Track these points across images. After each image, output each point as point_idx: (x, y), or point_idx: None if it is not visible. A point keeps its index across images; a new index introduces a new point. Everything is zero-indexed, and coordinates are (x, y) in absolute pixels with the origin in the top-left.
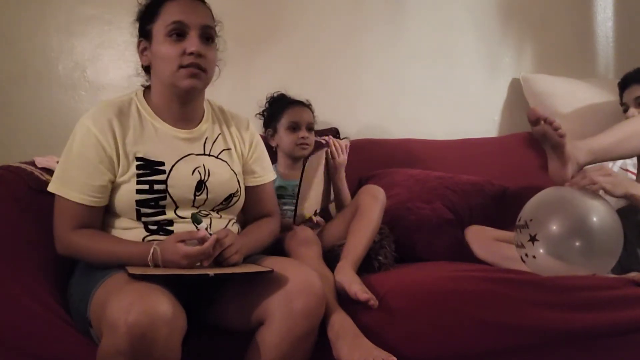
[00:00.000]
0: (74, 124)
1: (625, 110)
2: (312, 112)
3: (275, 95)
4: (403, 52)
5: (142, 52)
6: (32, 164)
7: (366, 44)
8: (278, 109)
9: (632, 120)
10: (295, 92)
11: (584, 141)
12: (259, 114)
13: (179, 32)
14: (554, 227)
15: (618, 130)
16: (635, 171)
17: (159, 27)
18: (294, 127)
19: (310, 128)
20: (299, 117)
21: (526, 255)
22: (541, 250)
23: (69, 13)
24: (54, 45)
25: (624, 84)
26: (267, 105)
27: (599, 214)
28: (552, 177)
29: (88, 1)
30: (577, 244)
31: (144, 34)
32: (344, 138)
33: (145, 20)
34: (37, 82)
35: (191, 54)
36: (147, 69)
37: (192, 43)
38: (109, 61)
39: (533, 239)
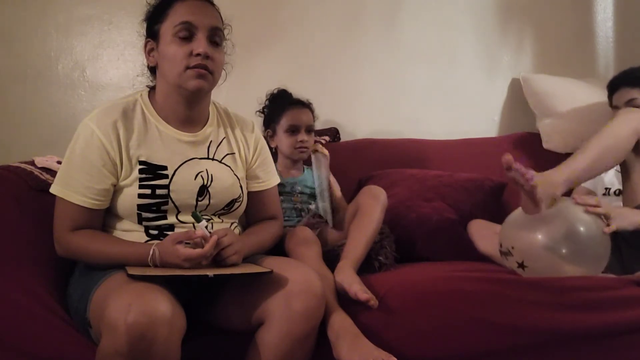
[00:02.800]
0: (73, 124)
1: None
2: (312, 112)
3: (275, 91)
4: (403, 52)
5: (149, 52)
6: (32, 163)
7: (366, 44)
8: (278, 109)
9: (601, 136)
10: (295, 92)
11: (558, 171)
12: (259, 111)
13: (187, 33)
14: (538, 250)
15: (589, 151)
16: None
17: (167, 28)
18: (293, 130)
19: (309, 130)
20: (298, 120)
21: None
22: (533, 273)
23: (69, 13)
24: (53, 45)
25: (613, 87)
26: (267, 102)
27: (583, 223)
28: (525, 211)
29: (87, 1)
30: (564, 252)
31: (152, 34)
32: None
33: (153, 20)
34: (37, 82)
35: (198, 55)
36: (152, 70)
37: (200, 44)
38: (108, 61)
39: (522, 266)
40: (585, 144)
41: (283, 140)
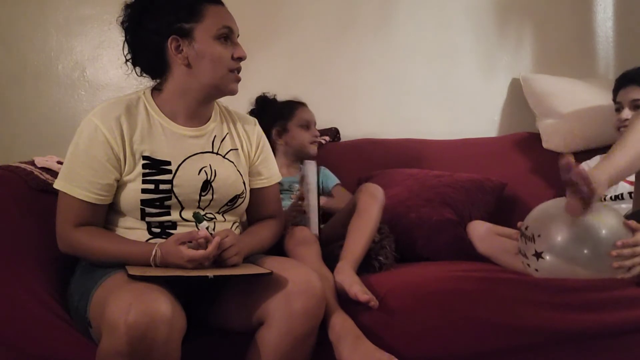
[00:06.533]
0: (74, 124)
1: (618, 110)
2: None
3: (266, 97)
4: (403, 52)
5: (175, 49)
6: (32, 163)
7: (366, 43)
8: (287, 107)
9: (638, 132)
10: (295, 92)
11: (601, 169)
12: (251, 112)
13: (226, 37)
14: (563, 252)
15: (628, 148)
16: (629, 179)
17: (206, 28)
18: (307, 126)
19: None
20: (311, 116)
21: (528, 265)
22: (546, 268)
23: (69, 13)
24: (53, 45)
25: (622, 82)
26: (259, 105)
27: (614, 237)
28: (569, 212)
29: (87, 1)
30: (586, 269)
31: (180, 33)
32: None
33: (182, 19)
34: (37, 82)
35: (239, 59)
36: (158, 69)
37: (241, 50)
38: (108, 61)
39: (538, 255)
40: (622, 140)
41: (298, 136)
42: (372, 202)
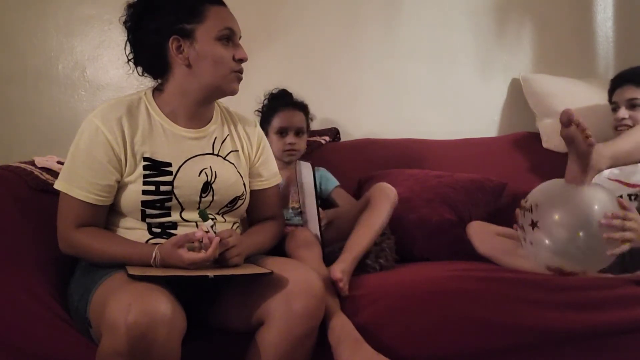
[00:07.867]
0: (74, 124)
1: (614, 109)
2: (307, 114)
3: (275, 91)
4: (403, 51)
5: (176, 49)
6: (32, 163)
7: (366, 43)
8: (270, 110)
9: None
10: (295, 92)
11: (606, 146)
12: (258, 110)
13: (227, 38)
14: (557, 220)
15: (635, 135)
16: (626, 181)
17: (208, 29)
18: (281, 132)
19: (299, 132)
20: (288, 122)
21: (524, 239)
22: (539, 239)
23: (69, 13)
24: (53, 45)
25: (617, 82)
26: (265, 101)
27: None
28: (568, 180)
29: (87, 1)
30: (577, 244)
31: (182, 33)
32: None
33: (183, 20)
34: (37, 82)
35: (240, 60)
36: (159, 69)
37: (243, 51)
38: (108, 61)
39: (534, 225)
40: (631, 129)
41: (273, 143)
42: (384, 201)
